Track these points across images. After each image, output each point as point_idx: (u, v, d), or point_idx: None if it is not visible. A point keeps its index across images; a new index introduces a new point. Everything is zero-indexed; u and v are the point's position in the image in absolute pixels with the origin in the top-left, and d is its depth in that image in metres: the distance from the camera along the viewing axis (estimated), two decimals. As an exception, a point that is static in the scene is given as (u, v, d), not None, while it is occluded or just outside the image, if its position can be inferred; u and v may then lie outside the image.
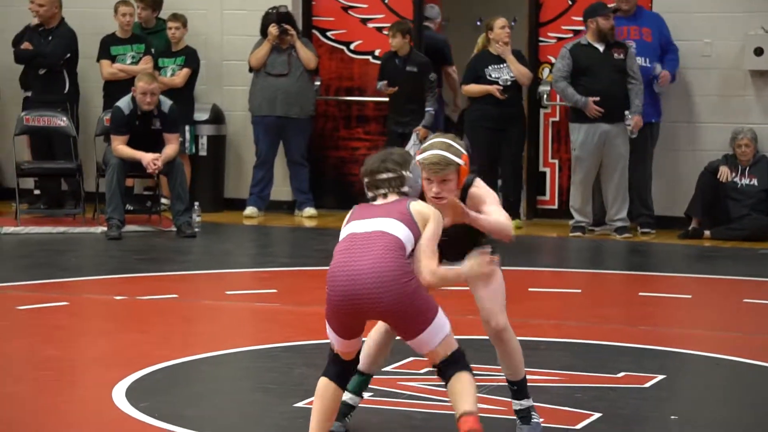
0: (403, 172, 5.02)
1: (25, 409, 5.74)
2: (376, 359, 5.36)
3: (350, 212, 5.04)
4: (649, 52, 11.84)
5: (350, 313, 4.80)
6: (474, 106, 12.12)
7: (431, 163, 5.16)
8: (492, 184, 11.98)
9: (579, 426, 5.50)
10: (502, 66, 11.91)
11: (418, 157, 5.21)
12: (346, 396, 5.26)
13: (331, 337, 4.94)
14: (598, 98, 11.50)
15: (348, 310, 4.79)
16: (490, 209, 5.26)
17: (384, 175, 5.01)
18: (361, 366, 5.23)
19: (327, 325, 4.92)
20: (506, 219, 5.28)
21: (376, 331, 5.30)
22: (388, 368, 6.42)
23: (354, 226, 4.93)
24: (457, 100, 13.54)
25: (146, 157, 11.12)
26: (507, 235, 5.27)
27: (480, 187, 5.34)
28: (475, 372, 6.24)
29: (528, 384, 5.55)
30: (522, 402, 5.48)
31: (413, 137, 12.05)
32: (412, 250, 4.85)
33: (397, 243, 4.80)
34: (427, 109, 12.11)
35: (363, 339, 5.02)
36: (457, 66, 13.04)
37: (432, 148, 5.22)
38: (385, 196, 5.01)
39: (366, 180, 5.06)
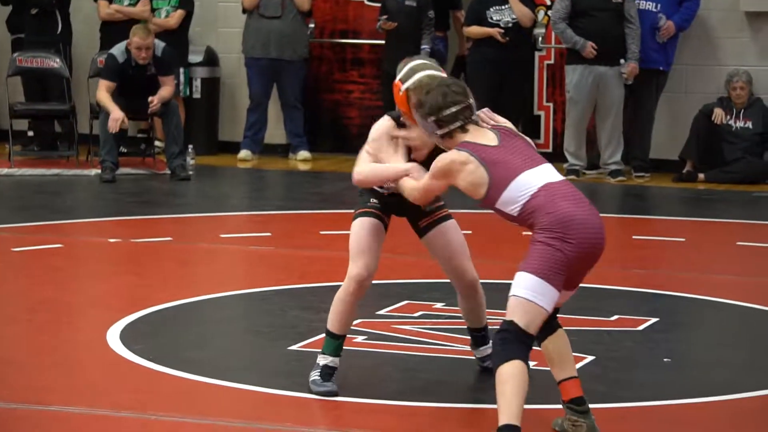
0: (470, 101, 4.76)
1: (20, 350, 5.76)
2: (350, 321, 5.25)
3: (480, 150, 4.64)
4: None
5: (592, 262, 4.62)
6: (475, 49, 12.05)
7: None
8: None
9: (572, 368, 5.52)
10: (504, 7, 11.81)
11: (409, 82, 5.04)
12: (328, 359, 5.17)
13: (544, 300, 4.48)
14: (594, 44, 11.45)
15: (592, 259, 4.61)
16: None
17: (453, 109, 4.72)
18: (338, 330, 5.17)
19: (540, 284, 4.48)
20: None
21: (347, 293, 5.15)
22: (381, 311, 6.45)
23: (541, 174, 4.63)
24: (464, 45, 13.46)
25: (112, 116, 10.97)
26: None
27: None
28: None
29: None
30: (482, 348, 5.48)
31: None
32: None
33: None
34: (422, 46, 12.01)
35: None
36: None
37: (420, 70, 5.03)
38: (462, 128, 4.72)
39: (433, 118, 4.73)
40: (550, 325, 4.64)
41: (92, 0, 12.55)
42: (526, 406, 4.44)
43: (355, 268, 5.14)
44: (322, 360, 5.19)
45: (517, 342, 4.42)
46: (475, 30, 11.93)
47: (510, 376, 4.37)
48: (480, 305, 5.45)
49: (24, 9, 12.47)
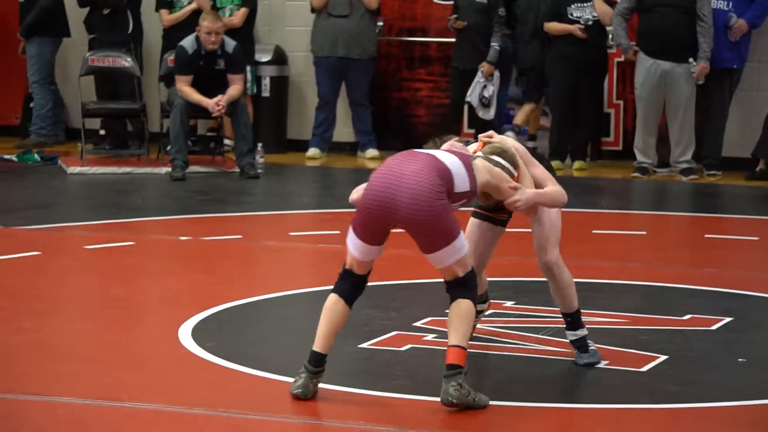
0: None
1: (94, 346, 5.81)
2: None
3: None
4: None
5: (380, 216, 4.96)
6: (554, 45, 12.01)
7: None
8: (568, 125, 11.98)
9: (645, 368, 5.47)
10: (585, 5, 11.77)
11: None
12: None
13: (351, 246, 5.08)
14: (636, 50, 11.37)
15: (379, 212, 4.95)
16: (538, 175, 5.40)
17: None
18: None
19: (349, 232, 5.08)
20: (558, 187, 5.40)
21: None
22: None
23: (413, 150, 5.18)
24: None
25: (209, 103, 11.14)
26: (566, 201, 5.46)
27: (521, 150, 5.45)
28: (542, 314, 6.31)
29: (592, 326, 5.68)
30: (576, 332, 5.58)
31: (478, 74, 11.96)
32: (456, 192, 5.00)
33: (443, 169, 4.99)
34: (492, 44, 11.99)
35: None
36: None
37: (493, 155, 5.33)
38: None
39: None
40: (450, 294, 5.05)
41: (154, 10, 12.67)
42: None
43: None
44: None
45: (341, 279, 5.16)
46: (554, 26, 11.89)
47: (325, 307, 5.14)
48: (559, 289, 5.57)
49: (97, 9, 12.60)
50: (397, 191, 4.93)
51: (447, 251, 4.95)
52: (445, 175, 4.96)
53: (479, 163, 5.18)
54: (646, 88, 11.56)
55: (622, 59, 12.37)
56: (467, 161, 5.11)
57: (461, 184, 5.02)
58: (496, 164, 5.29)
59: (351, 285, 5.14)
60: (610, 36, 12.13)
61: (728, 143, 11.81)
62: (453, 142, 5.40)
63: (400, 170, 4.99)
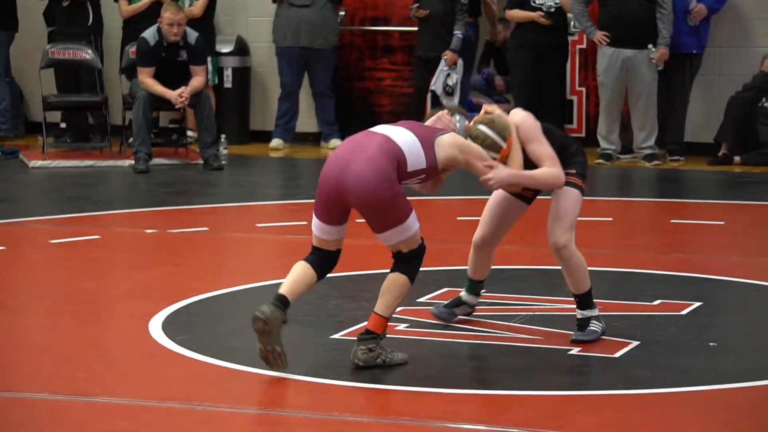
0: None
1: (65, 340, 5.76)
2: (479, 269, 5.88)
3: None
4: None
5: (332, 198, 5.19)
6: (517, 32, 12.02)
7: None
8: (532, 113, 11.89)
9: (617, 354, 5.49)
10: None
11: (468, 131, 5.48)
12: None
13: (313, 225, 5.33)
14: (608, 33, 11.39)
15: (330, 195, 5.19)
16: (538, 153, 5.47)
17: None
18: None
19: (313, 215, 5.34)
20: (552, 169, 5.46)
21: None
22: (422, 299, 6.42)
23: (377, 126, 5.32)
24: (494, 31, 13.42)
25: (172, 95, 11.08)
26: (558, 186, 5.55)
27: (525, 124, 5.52)
28: (512, 302, 6.32)
29: (563, 313, 5.87)
30: (584, 312, 5.68)
31: (442, 62, 11.95)
32: (410, 171, 5.18)
33: (394, 150, 5.14)
34: (455, 32, 11.99)
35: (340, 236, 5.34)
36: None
37: (481, 125, 5.44)
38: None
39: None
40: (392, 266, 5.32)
41: (113, 1, 12.59)
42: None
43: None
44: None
45: (310, 253, 5.39)
46: (517, 13, 11.90)
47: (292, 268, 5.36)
48: (569, 272, 5.67)
49: (56, 1, 12.49)
50: (345, 176, 5.11)
51: (394, 232, 5.17)
52: (396, 156, 5.12)
53: (445, 139, 5.27)
54: (609, 75, 11.59)
55: (584, 46, 12.40)
56: (428, 137, 5.22)
57: (416, 161, 5.18)
58: (480, 134, 5.38)
59: (319, 257, 5.35)
60: (572, 23, 12.16)
61: (690, 129, 11.87)
62: (440, 115, 5.51)
63: (350, 156, 5.14)
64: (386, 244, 5.24)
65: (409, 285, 5.28)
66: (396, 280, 5.25)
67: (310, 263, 5.33)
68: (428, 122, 5.53)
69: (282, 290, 5.27)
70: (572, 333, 5.70)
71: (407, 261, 5.25)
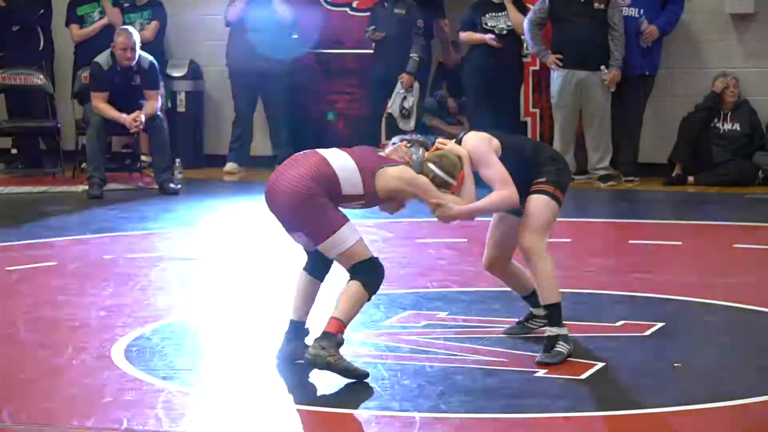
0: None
1: (25, 370, 5.68)
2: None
3: None
4: (644, 2, 11.69)
5: (272, 210, 5.52)
6: (470, 55, 12.07)
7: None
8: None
9: (584, 376, 5.49)
10: (500, 14, 11.82)
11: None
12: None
13: None
14: (560, 55, 11.45)
15: (270, 207, 5.51)
16: (489, 177, 5.61)
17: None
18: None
19: None
20: (500, 192, 5.57)
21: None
22: (386, 322, 6.40)
23: (328, 149, 5.57)
24: (447, 54, 13.45)
25: (127, 119, 11.01)
26: (512, 205, 5.65)
27: (475, 151, 5.62)
28: (476, 324, 6.31)
29: (526, 335, 5.93)
30: (552, 329, 5.68)
31: (398, 84, 11.96)
32: (345, 195, 5.43)
33: (327, 173, 5.39)
34: (411, 55, 12.01)
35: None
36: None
37: (430, 163, 5.58)
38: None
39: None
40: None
41: (64, 25, 12.51)
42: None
43: None
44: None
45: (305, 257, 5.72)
46: (468, 36, 11.94)
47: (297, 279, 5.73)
48: (535, 277, 5.74)
49: (6, 26, 12.40)
50: (274, 190, 5.44)
51: (327, 245, 5.42)
52: (326, 177, 5.38)
53: (390, 172, 5.46)
54: (562, 96, 11.66)
55: (537, 68, 12.46)
56: (369, 167, 5.44)
57: (351, 187, 5.43)
58: (429, 171, 5.55)
59: (312, 260, 5.65)
60: (525, 45, 12.21)
61: (644, 149, 11.95)
62: (398, 147, 5.65)
63: (283, 170, 5.45)
64: (328, 256, 5.50)
65: (364, 292, 5.45)
66: (351, 288, 5.45)
67: (306, 269, 5.69)
68: (386, 151, 5.65)
69: (292, 315, 5.67)
70: (538, 355, 5.69)
71: (360, 272, 5.45)
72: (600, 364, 5.63)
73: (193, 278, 7.83)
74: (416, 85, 12.05)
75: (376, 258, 5.51)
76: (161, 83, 12.22)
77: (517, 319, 6.21)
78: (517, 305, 6.40)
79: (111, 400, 5.20)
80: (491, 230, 6.00)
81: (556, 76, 11.67)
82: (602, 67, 11.48)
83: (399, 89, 11.94)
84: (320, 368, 5.37)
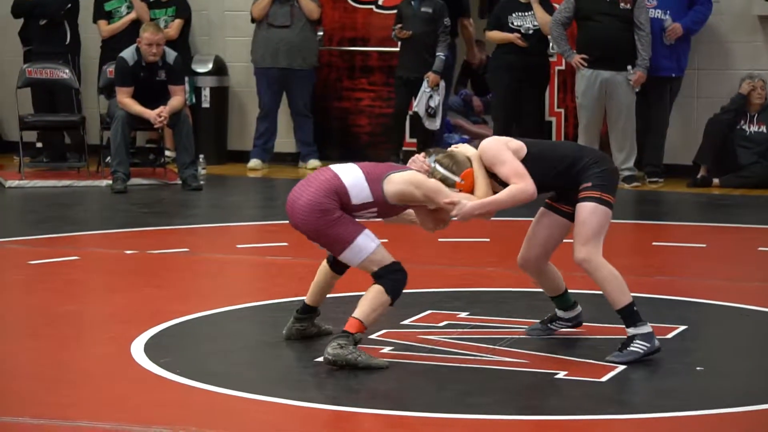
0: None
1: (45, 364, 5.69)
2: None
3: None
4: (670, 3, 11.64)
5: (294, 227, 5.69)
6: (496, 54, 12.04)
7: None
8: (510, 134, 11.93)
9: (604, 378, 5.46)
10: (527, 14, 11.78)
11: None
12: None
13: None
14: (585, 55, 11.40)
15: (292, 225, 5.69)
16: (504, 174, 5.61)
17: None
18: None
19: None
20: (516, 186, 5.59)
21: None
22: (406, 321, 6.38)
23: (339, 165, 5.72)
24: (471, 53, 13.43)
25: (151, 114, 11.03)
26: (527, 199, 5.66)
27: (487, 151, 5.64)
28: (497, 324, 6.29)
29: (546, 336, 5.93)
30: (629, 329, 5.66)
31: (424, 83, 11.93)
32: (356, 204, 5.56)
33: (336, 186, 5.55)
34: (437, 53, 11.98)
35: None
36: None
37: (435, 162, 5.67)
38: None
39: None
40: None
41: (92, 21, 12.54)
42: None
43: None
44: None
45: None
46: (495, 35, 11.91)
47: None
48: (599, 286, 5.77)
49: (33, 21, 12.44)
50: (293, 210, 5.62)
51: (347, 254, 5.58)
52: (337, 190, 5.55)
53: (398, 176, 5.58)
54: (587, 96, 11.61)
55: (562, 67, 12.41)
56: (376, 175, 5.58)
57: (360, 196, 5.56)
58: (433, 170, 5.65)
59: (331, 256, 5.89)
60: (551, 44, 12.16)
61: (669, 150, 11.89)
62: (415, 157, 5.77)
63: (298, 191, 5.62)
64: (352, 265, 5.67)
65: (386, 297, 5.54)
66: (372, 290, 5.57)
67: (329, 262, 5.93)
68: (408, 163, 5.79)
69: (306, 299, 6.01)
70: (559, 356, 5.66)
71: (383, 276, 5.57)
72: (621, 367, 5.60)
73: (216, 274, 7.83)
74: (442, 84, 12.02)
75: (398, 263, 5.59)
76: (185, 79, 12.25)
77: (539, 320, 6.18)
78: (538, 306, 6.37)
79: (131, 398, 5.20)
80: (533, 228, 5.96)
81: (581, 76, 11.62)
82: (629, 67, 11.42)
83: (425, 88, 11.91)
84: (339, 366, 5.42)
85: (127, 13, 12.47)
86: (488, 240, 8.73)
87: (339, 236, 5.55)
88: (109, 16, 12.53)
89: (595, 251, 5.64)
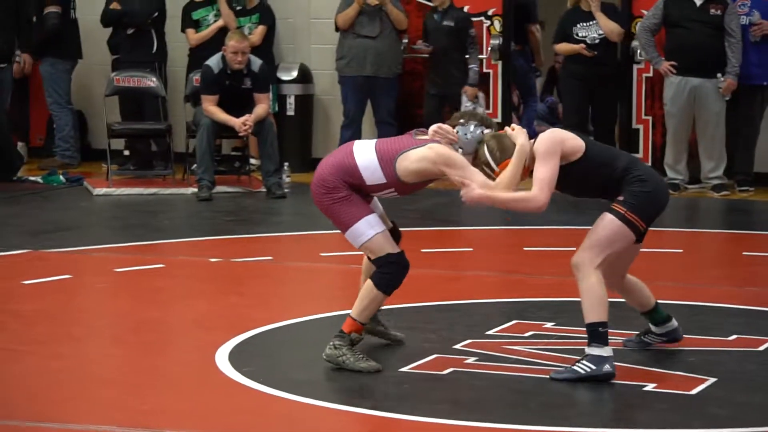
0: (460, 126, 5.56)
1: (130, 371, 5.71)
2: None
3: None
4: (762, 9, 11.44)
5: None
6: (565, 64, 11.95)
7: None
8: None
9: (694, 391, 5.35)
10: (591, 23, 11.67)
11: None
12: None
13: None
14: (674, 62, 11.24)
15: None
16: (536, 176, 5.48)
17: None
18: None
19: None
20: (527, 193, 5.45)
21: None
22: (491, 331, 6.32)
23: (368, 140, 5.71)
24: (538, 59, 13.33)
25: (236, 122, 11.07)
26: (532, 210, 5.50)
27: (541, 146, 5.50)
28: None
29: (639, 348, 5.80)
30: (586, 348, 5.52)
31: (463, 98, 11.85)
32: (370, 185, 5.53)
33: (348, 165, 5.53)
34: (470, 66, 11.88)
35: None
36: (551, 23, 12.82)
37: (484, 143, 5.55)
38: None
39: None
40: None
41: (180, 30, 12.63)
42: None
43: None
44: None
45: None
46: (562, 47, 11.83)
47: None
48: (581, 294, 5.57)
49: (121, 30, 12.56)
50: (312, 185, 5.67)
51: (348, 236, 5.66)
52: (348, 170, 5.53)
53: (414, 153, 5.47)
54: (676, 103, 11.45)
55: (650, 74, 12.25)
56: (388, 155, 5.50)
57: (373, 176, 5.53)
58: (480, 152, 5.51)
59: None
60: (638, 51, 11.99)
61: (760, 159, 11.68)
62: (439, 126, 5.56)
63: (322, 161, 5.67)
64: (355, 246, 5.70)
65: (377, 292, 5.64)
66: (365, 286, 5.69)
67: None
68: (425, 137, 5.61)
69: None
70: (648, 368, 5.55)
71: (377, 270, 5.65)
72: (711, 380, 5.48)
73: (299, 283, 7.82)
74: (481, 95, 11.94)
75: (394, 255, 5.59)
76: (270, 86, 12.28)
77: (627, 330, 6.09)
78: (624, 316, 6.27)
79: (214, 406, 5.19)
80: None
81: (670, 83, 11.47)
82: (719, 75, 11.24)
83: (465, 102, 11.83)
84: (335, 366, 5.60)
85: (215, 21, 12.54)
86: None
87: (340, 217, 5.61)
88: (197, 25, 12.60)
89: (591, 261, 5.53)
